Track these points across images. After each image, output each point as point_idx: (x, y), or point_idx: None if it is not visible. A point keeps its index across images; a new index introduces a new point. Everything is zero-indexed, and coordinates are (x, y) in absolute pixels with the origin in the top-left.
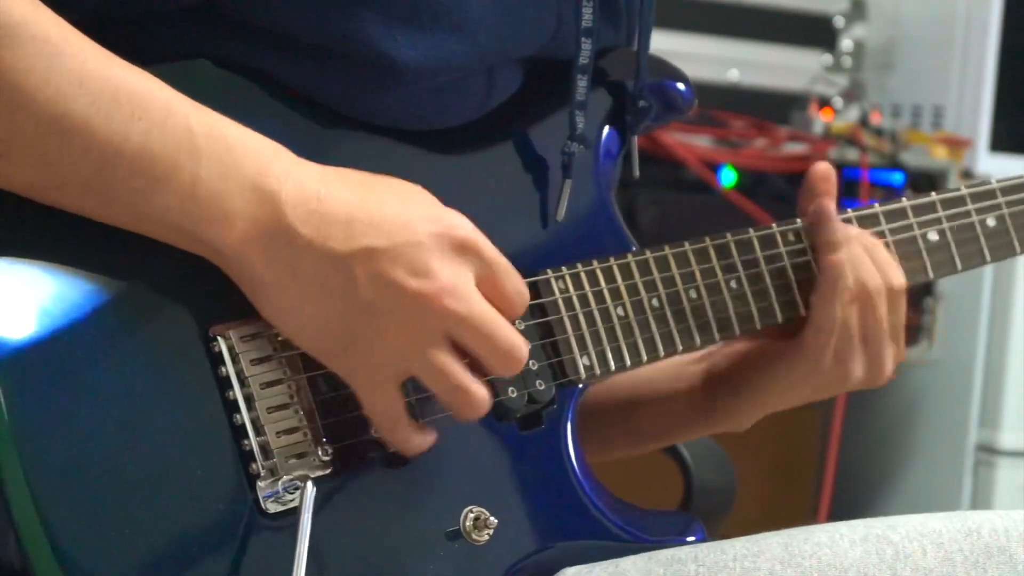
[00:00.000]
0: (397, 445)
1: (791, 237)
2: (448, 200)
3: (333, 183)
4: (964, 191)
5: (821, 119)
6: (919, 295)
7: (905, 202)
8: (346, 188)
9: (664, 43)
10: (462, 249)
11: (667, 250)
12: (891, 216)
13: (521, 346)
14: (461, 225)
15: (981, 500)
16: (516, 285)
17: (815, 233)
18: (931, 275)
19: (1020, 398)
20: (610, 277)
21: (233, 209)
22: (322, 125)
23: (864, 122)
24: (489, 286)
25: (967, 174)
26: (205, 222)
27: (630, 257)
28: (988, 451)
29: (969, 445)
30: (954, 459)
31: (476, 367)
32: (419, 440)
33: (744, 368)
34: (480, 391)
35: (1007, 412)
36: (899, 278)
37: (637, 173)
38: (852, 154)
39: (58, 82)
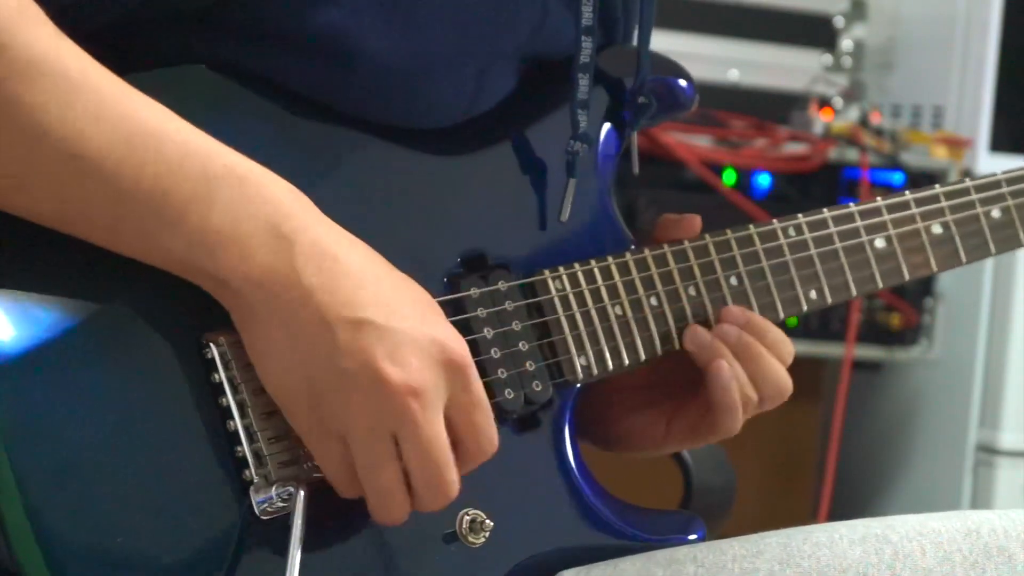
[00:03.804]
0: (350, 497)
1: (792, 232)
2: (448, 200)
3: (355, 250)
4: (968, 183)
5: (821, 119)
6: (919, 295)
7: (908, 195)
8: (366, 259)
9: (664, 43)
10: (451, 368)
11: (665, 248)
12: (894, 209)
13: (452, 489)
14: (461, 350)
15: (981, 500)
16: (488, 430)
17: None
18: (935, 268)
19: (1020, 398)
20: (607, 275)
21: (243, 252)
22: (319, 125)
23: (864, 122)
24: (463, 417)
25: (967, 174)
26: (212, 262)
27: (628, 255)
28: (988, 451)
29: (969, 445)
30: (954, 459)
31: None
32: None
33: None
34: (398, 509)
35: (1007, 412)
36: (775, 386)
37: (637, 170)
38: (852, 154)
39: (75, 120)
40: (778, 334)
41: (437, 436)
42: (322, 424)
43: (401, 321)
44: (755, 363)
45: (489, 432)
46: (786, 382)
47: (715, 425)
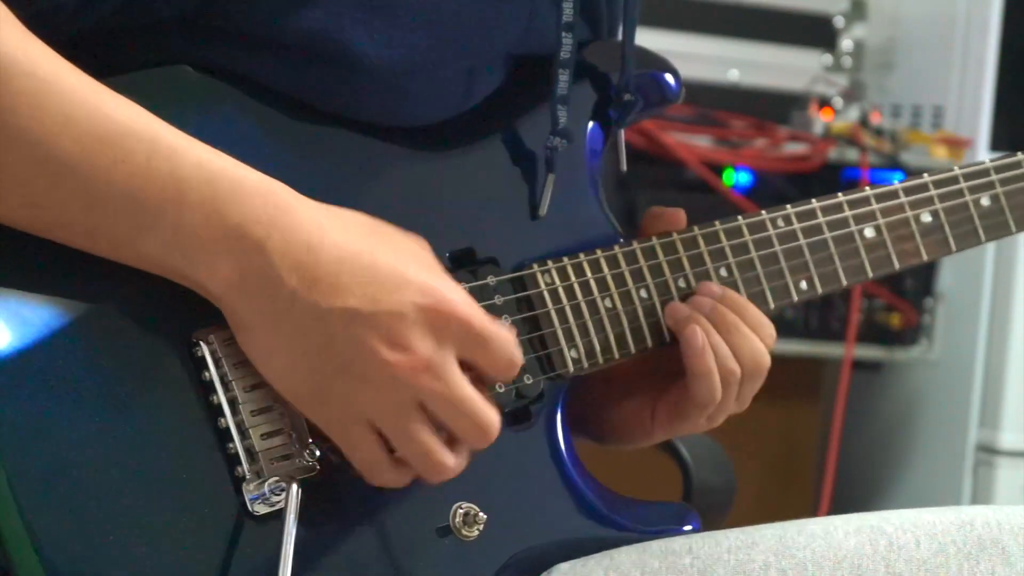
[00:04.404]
0: (380, 485)
1: (781, 223)
2: (436, 197)
3: (330, 229)
4: (957, 171)
5: (821, 119)
6: (919, 295)
7: (897, 184)
8: (344, 233)
9: (664, 43)
10: (446, 324)
11: (654, 240)
12: (883, 198)
13: (495, 424)
14: (450, 299)
15: (981, 500)
16: (507, 355)
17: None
18: (925, 257)
19: (1020, 398)
20: (596, 268)
21: (216, 257)
22: (305, 124)
23: (864, 122)
24: (478, 357)
25: None
26: (188, 266)
27: (616, 249)
28: (988, 451)
29: (969, 445)
30: (954, 459)
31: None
32: (400, 478)
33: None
34: (448, 459)
35: (1007, 412)
36: (752, 359)
37: (625, 167)
38: (852, 154)
39: (46, 121)
40: (757, 313)
41: (460, 390)
42: (341, 413)
43: (389, 299)
44: (731, 334)
45: (509, 357)
46: (763, 355)
47: (693, 396)
